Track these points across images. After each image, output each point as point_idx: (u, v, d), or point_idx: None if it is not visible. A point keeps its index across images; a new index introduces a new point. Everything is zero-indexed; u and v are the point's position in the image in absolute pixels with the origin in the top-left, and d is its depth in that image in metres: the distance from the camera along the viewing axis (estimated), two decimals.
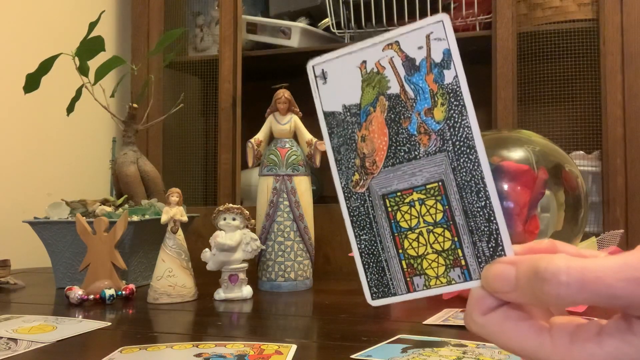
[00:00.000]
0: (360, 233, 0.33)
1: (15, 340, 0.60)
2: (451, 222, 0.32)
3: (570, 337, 0.28)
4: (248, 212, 0.86)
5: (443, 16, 0.32)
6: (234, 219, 0.85)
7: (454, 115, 0.31)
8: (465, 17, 1.45)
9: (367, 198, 0.33)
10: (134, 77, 1.53)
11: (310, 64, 0.34)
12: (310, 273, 0.94)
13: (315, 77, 0.34)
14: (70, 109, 1.02)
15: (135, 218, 0.92)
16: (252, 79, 1.58)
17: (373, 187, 0.33)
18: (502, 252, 0.31)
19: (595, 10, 1.36)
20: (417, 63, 0.32)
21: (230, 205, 0.86)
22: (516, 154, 0.84)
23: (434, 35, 0.32)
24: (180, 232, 0.85)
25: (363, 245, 0.33)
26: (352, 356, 0.52)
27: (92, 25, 1.00)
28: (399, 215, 0.33)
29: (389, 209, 0.33)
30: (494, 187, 0.31)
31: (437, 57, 0.32)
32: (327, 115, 0.33)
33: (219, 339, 0.62)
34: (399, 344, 0.57)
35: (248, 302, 0.83)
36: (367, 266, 0.33)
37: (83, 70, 0.99)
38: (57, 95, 1.15)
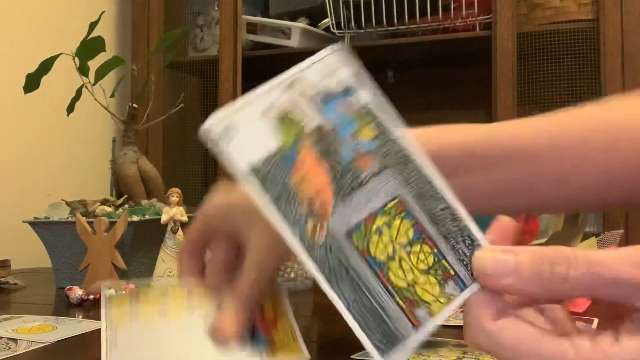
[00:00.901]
0: (342, 289, 0.30)
1: (15, 340, 0.60)
2: (425, 235, 0.30)
3: (590, 343, 0.27)
4: None
5: (338, 47, 0.31)
6: None
7: (382, 130, 0.31)
8: (465, 17, 1.45)
9: (331, 246, 0.29)
10: (134, 77, 1.53)
11: (204, 127, 0.29)
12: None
13: (218, 139, 0.29)
14: (70, 109, 1.02)
15: (135, 218, 0.92)
16: (252, 79, 1.57)
17: (333, 230, 0.29)
18: (479, 246, 0.30)
19: (595, 10, 1.36)
20: (327, 93, 0.30)
21: None
22: None
23: (335, 64, 0.31)
24: (180, 232, 0.85)
25: (351, 303, 0.30)
26: (352, 356, 0.52)
27: (92, 26, 1.00)
28: (372, 249, 0.30)
29: (360, 247, 0.29)
30: (445, 185, 0.31)
31: (345, 82, 0.31)
32: (248, 174, 0.28)
33: None
34: None
35: None
36: (363, 324, 0.30)
37: (83, 70, 0.99)
38: (57, 95, 1.15)
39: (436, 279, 0.30)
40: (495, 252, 0.29)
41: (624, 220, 1.30)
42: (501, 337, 0.28)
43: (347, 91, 0.31)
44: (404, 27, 1.48)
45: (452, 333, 0.61)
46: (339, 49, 0.31)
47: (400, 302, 0.29)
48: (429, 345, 0.56)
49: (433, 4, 1.44)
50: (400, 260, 0.30)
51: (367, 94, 0.31)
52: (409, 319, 0.29)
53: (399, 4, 1.47)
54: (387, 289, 0.30)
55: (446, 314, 0.29)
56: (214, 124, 0.29)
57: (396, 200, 0.30)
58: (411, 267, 0.30)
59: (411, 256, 0.30)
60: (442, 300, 0.30)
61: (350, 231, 0.29)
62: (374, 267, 0.30)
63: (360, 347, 0.55)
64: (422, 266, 0.30)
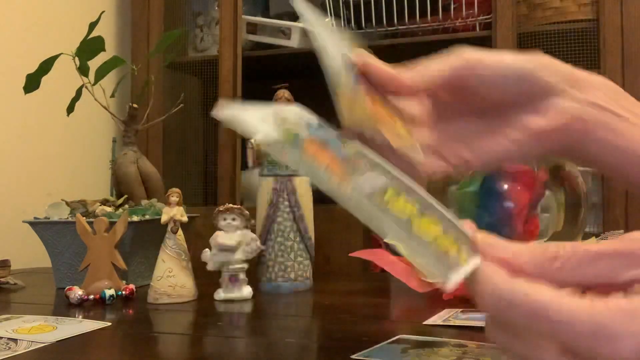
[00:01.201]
0: (382, 226, 0.32)
1: (15, 340, 0.60)
2: (430, 209, 0.33)
3: (604, 302, 0.28)
4: (248, 213, 0.86)
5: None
6: (234, 219, 0.85)
7: (362, 151, 0.35)
8: (465, 17, 1.45)
9: (353, 199, 0.33)
10: (134, 77, 1.53)
11: (214, 113, 0.34)
12: (310, 273, 0.94)
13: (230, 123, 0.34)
14: (70, 109, 1.02)
15: (135, 218, 0.92)
16: (252, 79, 1.58)
17: (355, 189, 0.33)
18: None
19: (595, 10, 1.36)
20: (308, 123, 0.35)
21: (231, 205, 0.86)
22: None
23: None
24: (180, 232, 0.85)
25: (391, 234, 0.32)
26: (352, 356, 0.52)
27: (92, 26, 1.00)
28: (390, 207, 0.32)
29: (379, 205, 0.33)
30: (425, 192, 0.34)
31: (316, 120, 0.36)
32: (264, 141, 0.33)
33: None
34: (399, 344, 0.57)
35: (248, 302, 0.83)
36: (419, 252, 0.32)
37: (83, 70, 0.99)
38: (57, 95, 1.15)
39: (454, 239, 0.32)
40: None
41: (624, 220, 1.30)
42: (512, 292, 0.29)
43: (321, 125, 0.35)
44: (404, 27, 1.48)
45: (452, 333, 0.61)
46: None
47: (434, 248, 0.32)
48: (429, 345, 0.56)
49: (433, 4, 1.44)
50: (420, 219, 0.32)
51: (327, 131, 0.35)
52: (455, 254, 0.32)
53: (399, 4, 1.47)
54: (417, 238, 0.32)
55: (471, 268, 0.31)
56: (221, 114, 0.34)
57: (389, 189, 0.33)
58: (429, 224, 0.32)
59: (425, 219, 0.33)
60: (463, 257, 0.31)
61: (367, 195, 0.33)
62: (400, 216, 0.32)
63: (360, 348, 0.55)
64: (438, 228, 0.32)
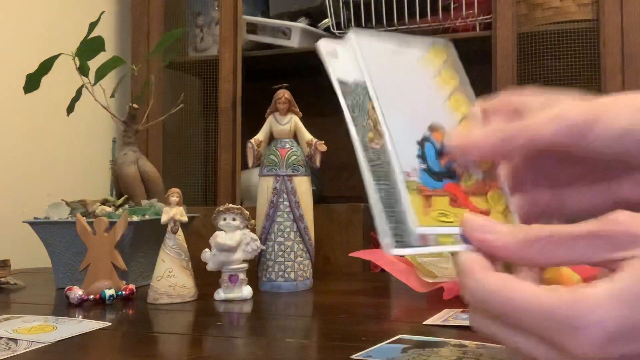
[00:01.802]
0: (379, 181, 0.34)
1: (15, 340, 0.60)
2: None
3: (567, 290, 0.29)
4: (248, 212, 0.86)
5: None
6: (234, 219, 0.85)
7: None
8: (465, 17, 1.45)
9: (382, 153, 0.35)
10: (134, 77, 1.53)
11: (321, 43, 0.38)
12: (310, 273, 0.94)
13: (326, 53, 0.37)
14: (70, 109, 1.02)
15: (135, 218, 0.92)
16: (252, 79, 1.58)
17: (387, 146, 0.35)
18: None
19: (595, 10, 1.36)
20: None
21: (230, 205, 0.86)
22: None
23: None
24: (180, 232, 0.85)
25: (382, 194, 0.34)
26: (352, 356, 0.52)
27: (92, 26, 1.00)
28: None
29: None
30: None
31: None
32: (339, 82, 0.37)
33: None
34: (399, 344, 0.57)
35: (248, 302, 0.83)
36: (386, 214, 0.34)
37: (83, 70, 0.99)
38: (57, 95, 1.15)
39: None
40: (484, 217, 0.33)
41: None
42: (490, 284, 0.31)
43: None
44: (404, 27, 1.48)
45: (452, 333, 0.61)
46: None
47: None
48: (429, 345, 0.56)
49: (433, 4, 1.44)
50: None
51: None
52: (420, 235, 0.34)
53: (399, 4, 1.47)
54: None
55: (447, 249, 0.34)
56: (328, 45, 0.38)
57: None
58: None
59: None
60: (449, 239, 0.34)
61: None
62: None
63: (360, 347, 0.55)
64: None
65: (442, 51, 0.39)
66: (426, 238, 0.34)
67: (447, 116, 0.38)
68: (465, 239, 0.33)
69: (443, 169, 0.36)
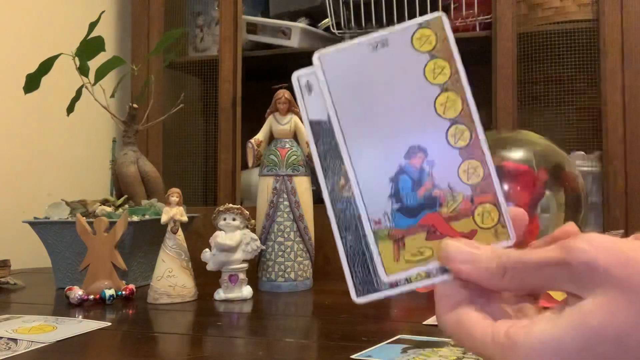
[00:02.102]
0: (346, 234, 0.35)
1: (15, 340, 0.60)
2: None
3: (505, 332, 0.29)
4: (248, 212, 0.86)
5: None
6: (234, 219, 0.85)
7: None
8: (465, 17, 1.45)
9: (352, 202, 0.35)
10: (134, 77, 1.53)
11: (295, 75, 0.35)
12: (310, 273, 0.94)
13: (300, 87, 0.35)
14: (70, 109, 1.02)
15: (135, 218, 0.92)
16: (252, 79, 1.57)
17: (354, 196, 0.35)
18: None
19: (595, 10, 1.36)
20: None
21: (230, 205, 0.86)
22: (516, 154, 0.84)
23: None
24: (180, 232, 0.85)
25: (348, 246, 0.35)
26: (352, 356, 0.52)
27: (92, 26, 1.00)
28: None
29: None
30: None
31: None
32: (312, 123, 0.35)
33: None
34: (399, 344, 0.57)
35: (248, 302, 0.83)
36: (352, 265, 0.35)
37: (83, 70, 0.99)
38: (57, 95, 1.15)
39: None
40: (461, 243, 0.32)
41: (624, 220, 1.30)
42: (449, 326, 0.32)
43: None
44: None
45: None
46: None
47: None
48: (429, 345, 0.56)
49: (433, 4, 1.44)
50: None
51: None
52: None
53: (399, 4, 1.47)
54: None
55: (420, 285, 0.34)
56: (302, 77, 0.35)
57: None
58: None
59: None
60: (422, 274, 0.34)
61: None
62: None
63: (360, 347, 0.55)
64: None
65: (431, 34, 0.35)
66: (397, 283, 0.34)
67: (433, 126, 0.35)
68: (444, 269, 0.33)
69: (421, 199, 0.34)
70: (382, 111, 0.35)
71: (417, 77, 0.35)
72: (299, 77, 0.35)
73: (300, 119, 0.98)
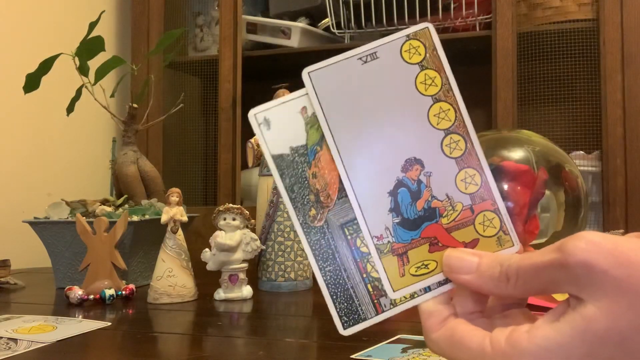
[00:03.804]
0: (324, 265, 0.34)
1: (15, 340, 0.60)
2: None
3: (505, 339, 0.29)
4: (248, 212, 0.86)
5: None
6: (234, 219, 0.85)
7: None
8: (465, 17, 1.45)
9: (326, 230, 0.34)
10: (134, 77, 1.53)
11: (251, 113, 0.35)
12: (310, 273, 0.94)
13: (259, 124, 0.35)
14: (70, 109, 1.02)
15: (135, 218, 0.92)
16: (252, 79, 1.57)
17: (331, 219, 0.34)
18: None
19: (595, 10, 1.36)
20: None
21: (230, 205, 0.86)
22: (516, 154, 0.84)
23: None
24: (180, 232, 0.85)
25: (328, 277, 0.34)
26: (352, 356, 0.52)
27: (92, 25, 1.00)
28: (358, 242, 0.34)
29: (349, 237, 0.34)
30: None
31: None
32: (275, 158, 0.35)
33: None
34: (399, 344, 0.57)
35: (248, 302, 0.83)
36: (334, 296, 0.34)
37: (83, 70, 0.99)
38: (57, 95, 1.15)
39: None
40: (463, 253, 0.32)
41: (624, 220, 1.30)
42: (440, 345, 0.32)
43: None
44: (404, 26, 1.48)
45: None
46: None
47: (370, 289, 0.34)
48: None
49: (433, 3, 1.44)
50: None
51: None
52: (374, 305, 0.34)
53: (399, 4, 1.47)
54: (361, 276, 0.34)
55: (405, 307, 0.35)
56: (258, 114, 0.35)
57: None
58: None
59: None
60: (406, 296, 0.34)
61: (345, 224, 0.34)
62: (356, 255, 0.34)
63: (360, 347, 0.55)
64: None
65: (419, 45, 0.35)
66: (381, 306, 0.34)
67: (428, 137, 0.34)
68: (447, 280, 0.33)
69: (420, 211, 0.34)
70: (376, 125, 0.35)
71: (409, 90, 0.35)
72: (255, 114, 0.35)
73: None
